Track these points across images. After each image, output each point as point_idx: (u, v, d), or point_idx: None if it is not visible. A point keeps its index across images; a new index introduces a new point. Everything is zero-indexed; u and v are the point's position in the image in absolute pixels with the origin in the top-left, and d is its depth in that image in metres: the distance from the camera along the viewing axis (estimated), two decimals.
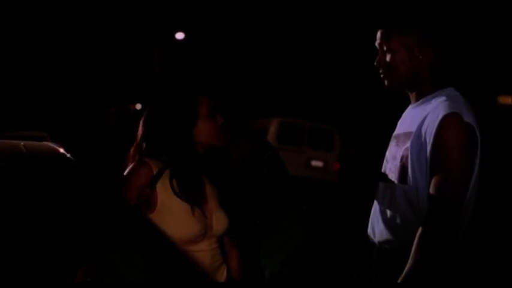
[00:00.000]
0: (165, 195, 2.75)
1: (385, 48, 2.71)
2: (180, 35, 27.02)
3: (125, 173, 2.77)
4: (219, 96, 2.96)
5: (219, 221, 2.84)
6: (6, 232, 2.51)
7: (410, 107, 2.80)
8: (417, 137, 2.62)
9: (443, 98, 2.64)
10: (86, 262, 2.55)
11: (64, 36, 26.84)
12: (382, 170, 2.79)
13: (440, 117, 2.56)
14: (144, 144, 2.80)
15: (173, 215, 2.74)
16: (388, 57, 2.70)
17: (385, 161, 2.80)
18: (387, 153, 2.79)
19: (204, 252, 2.80)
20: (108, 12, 27.47)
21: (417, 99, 2.74)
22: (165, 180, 2.76)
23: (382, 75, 2.75)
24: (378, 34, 2.74)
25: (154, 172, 2.75)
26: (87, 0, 26.92)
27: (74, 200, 2.72)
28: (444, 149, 2.53)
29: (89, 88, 27.50)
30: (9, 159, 2.84)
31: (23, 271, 2.43)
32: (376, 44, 2.75)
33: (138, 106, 28.55)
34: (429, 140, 2.57)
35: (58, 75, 27.09)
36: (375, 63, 2.76)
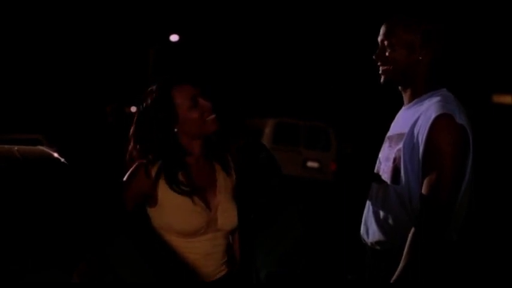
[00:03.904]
0: (163, 189, 2.71)
1: (386, 43, 2.73)
2: (174, 37, 27.00)
3: (124, 178, 2.73)
4: (200, 81, 2.85)
5: (226, 215, 2.76)
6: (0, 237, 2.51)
7: (403, 108, 2.80)
8: (410, 138, 2.62)
9: (436, 99, 2.64)
10: (82, 264, 2.54)
11: (59, 38, 26.82)
12: (375, 171, 2.79)
13: (432, 118, 2.56)
14: (137, 146, 2.75)
15: (173, 209, 2.70)
16: (387, 52, 2.72)
17: (378, 162, 2.80)
18: (380, 154, 2.80)
19: (206, 242, 2.74)
20: (103, 15, 27.46)
21: (410, 100, 2.75)
22: (162, 175, 2.72)
23: (379, 70, 2.76)
24: (382, 29, 2.76)
25: (152, 172, 2.71)
26: (80, 4, 26.90)
27: (67, 203, 2.72)
28: (436, 150, 2.53)
29: (84, 89, 27.49)
30: (2, 164, 2.83)
31: (17, 272, 2.43)
32: (379, 38, 2.76)
33: (133, 109, 28.51)
34: (421, 141, 2.57)
35: (52, 77, 27.06)
36: (374, 57, 2.77)
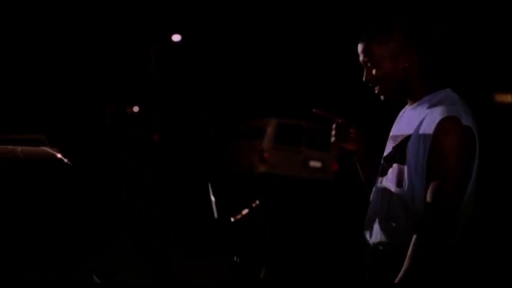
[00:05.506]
0: None
1: (369, 64, 2.72)
2: (176, 37, 26.99)
3: None
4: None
5: None
6: (2, 237, 2.53)
7: (407, 107, 2.79)
8: (414, 139, 2.61)
9: (441, 100, 2.62)
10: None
11: (61, 39, 26.82)
12: (379, 171, 2.79)
13: (437, 120, 2.54)
14: None
15: None
16: (374, 71, 2.71)
17: (382, 161, 2.80)
18: (384, 154, 2.79)
19: None
20: (105, 16, 27.45)
21: (413, 102, 2.75)
22: None
23: (375, 90, 2.76)
24: (358, 49, 2.74)
25: None
26: (82, 4, 26.90)
27: (70, 204, 2.73)
28: (442, 154, 2.51)
29: (85, 89, 27.49)
30: (6, 164, 2.85)
31: (17, 272, 2.45)
32: (360, 60, 2.74)
33: (136, 108, 28.56)
34: (426, 143, 2.56)
35: (54, 78, 27.06)
36: (364, 80, 2.75)
